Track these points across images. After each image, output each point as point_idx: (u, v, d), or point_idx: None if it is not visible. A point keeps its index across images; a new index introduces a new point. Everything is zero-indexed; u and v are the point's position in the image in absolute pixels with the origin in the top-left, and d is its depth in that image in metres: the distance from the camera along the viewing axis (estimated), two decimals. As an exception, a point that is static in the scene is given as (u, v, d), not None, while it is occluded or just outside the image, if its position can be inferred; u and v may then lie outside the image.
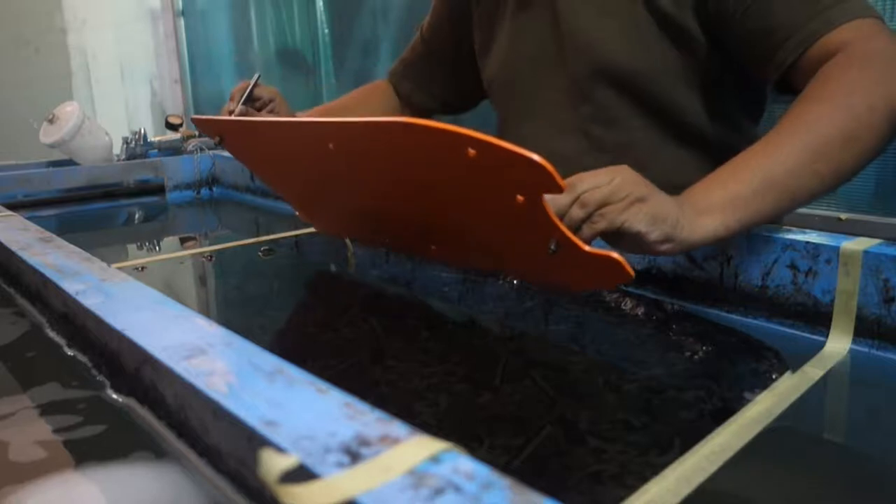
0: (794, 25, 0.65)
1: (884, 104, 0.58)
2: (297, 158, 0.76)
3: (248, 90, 0.85)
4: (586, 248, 0.51)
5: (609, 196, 0.52)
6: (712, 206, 0.55)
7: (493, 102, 0.99)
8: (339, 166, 0.68)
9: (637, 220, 0.52)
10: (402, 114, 1.11)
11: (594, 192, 0.52)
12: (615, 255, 0.51)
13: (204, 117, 0.81)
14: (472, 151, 0.48)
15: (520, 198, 0.50)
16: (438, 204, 0.60)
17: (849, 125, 0.57)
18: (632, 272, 0.52)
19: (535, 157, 0.46)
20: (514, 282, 0.79)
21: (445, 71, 1.04)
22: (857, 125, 0.57)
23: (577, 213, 0.52)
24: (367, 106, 1.08)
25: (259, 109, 0.88)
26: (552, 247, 0.52)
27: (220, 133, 0.81)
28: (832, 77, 0.61)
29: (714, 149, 0.82)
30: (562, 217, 0.52)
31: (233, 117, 0.80)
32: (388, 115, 1.08)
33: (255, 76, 0.88)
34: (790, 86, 0.68)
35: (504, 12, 0.91)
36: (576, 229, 0.53)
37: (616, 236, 0.53)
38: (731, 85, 0.80)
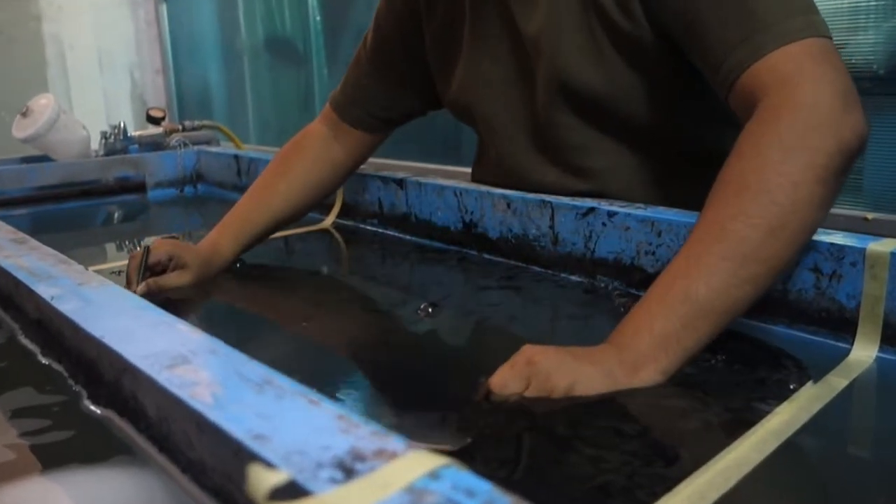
0: (726, 49, 0.64)
1: (808, 173, 0.55)
2: None
3: (142, 266, 0.81)
4: None
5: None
6: (643, 356, 0.54)
7: (463, 122, 0.98)
8: None
9: None
10: (343, 154, 1.00)
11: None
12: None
13: None
14: None
15: None
16: None
17: (769, 215, 0.55)
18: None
19: None
20: (518, 287, 0.79)
21: (398, 92, 0.97)
22: (778, 211, 0.55)
23: None
24: (293, 178, 0.98)
25: (161, 273, 0.84)
26: None
27: None
28: (745, 156, 0.58)
29: (702, 154, 0.81)
30: None
31: None
32: (326, 171, 1.01)
33: (145, 247, 0.83)
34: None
35: (461, 34, 0.89)
36: None
37: None
38: (707, 87, 0.79)
